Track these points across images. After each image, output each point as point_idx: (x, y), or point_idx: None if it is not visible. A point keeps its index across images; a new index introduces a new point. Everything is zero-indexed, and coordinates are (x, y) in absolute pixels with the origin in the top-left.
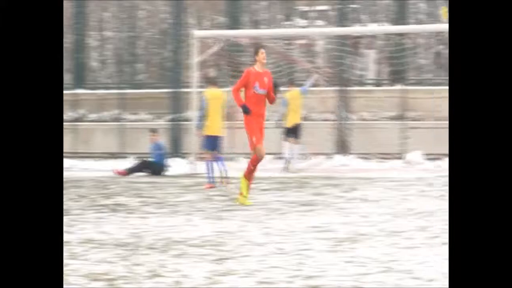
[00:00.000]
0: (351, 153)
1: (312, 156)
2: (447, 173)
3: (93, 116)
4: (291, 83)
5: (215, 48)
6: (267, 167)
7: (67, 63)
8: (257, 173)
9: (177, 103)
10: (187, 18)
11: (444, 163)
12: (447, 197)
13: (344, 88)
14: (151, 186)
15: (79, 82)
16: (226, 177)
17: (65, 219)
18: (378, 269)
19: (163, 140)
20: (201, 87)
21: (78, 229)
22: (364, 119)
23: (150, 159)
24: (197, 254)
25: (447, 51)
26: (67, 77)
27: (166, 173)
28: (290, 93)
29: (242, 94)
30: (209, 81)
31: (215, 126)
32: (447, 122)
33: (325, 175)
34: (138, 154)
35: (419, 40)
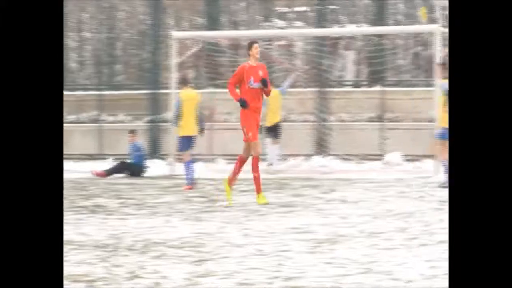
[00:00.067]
0: (330, 154)
1: (291, 157)
2: (426, 174)
3: (71, 117)
4: (270, 83)
5: (193, 49)
6: (246, 168)
7: None
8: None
9: (156, 104)
10: (165, 19)
11: (423, 164)
12: (426, 198)
13: (323, 89)
14: (130, 188)
15: None
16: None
17: None
18: (358, 270)
19: (142, 141)
20: (180, 88)
21: None
22: (343, 120)
23: (129, 161)
24: (176, 256)
25: (425, 52)
26: None
27: (145, 174)
28: None
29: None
30: (184, 82)
31: (189, 126)
32: (426, 123)
33: (304, 176)
34: (117, 156)
35: (398, 41)
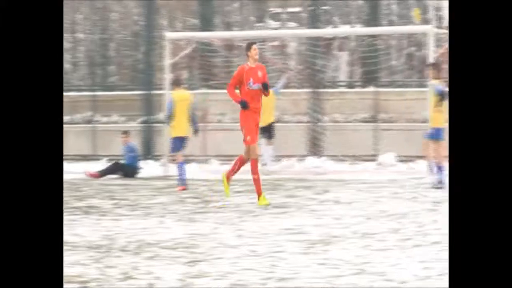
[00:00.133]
0: (323, 155)
1: (284, 158)
2: (419, 175)
3: (65, 118)
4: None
5: (187, 50)
6: (242, 169)
7: None
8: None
9: (149, 105)
10: (159, 20)
11: (417, 165)
12: (419, 199)
13: (316, 90)
14: (124, 188)
15: None
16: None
17: None
18: (351, 271)
19: (135, 142)
20: (172, 89)
21: None
22: (336, 121)
23: (122, 161)
24: (169, 256)
25: (419, 53)
26: None
27: (139, 175)
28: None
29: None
30: (176, 83)
31: (181, 127)
32: (420, 124)
33: (297, 177)
34: (110, 156)
35: (391, 41)
